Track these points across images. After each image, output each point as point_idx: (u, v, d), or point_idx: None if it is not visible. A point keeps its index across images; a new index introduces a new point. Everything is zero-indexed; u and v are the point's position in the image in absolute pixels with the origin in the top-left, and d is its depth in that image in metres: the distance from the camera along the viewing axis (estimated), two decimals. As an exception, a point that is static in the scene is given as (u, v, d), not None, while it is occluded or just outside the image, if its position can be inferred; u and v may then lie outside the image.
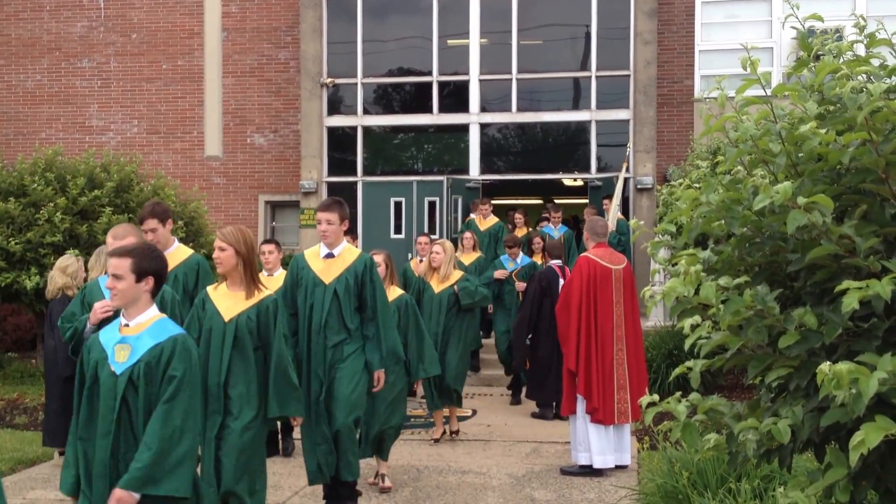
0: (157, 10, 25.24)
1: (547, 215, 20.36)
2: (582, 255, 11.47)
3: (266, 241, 12.82)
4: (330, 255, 9.55)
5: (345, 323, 9.21)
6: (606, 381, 11.14)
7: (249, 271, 7.74)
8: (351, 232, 22.99)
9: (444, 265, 13.11)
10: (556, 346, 12.44)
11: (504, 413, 15.15)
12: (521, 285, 16.07)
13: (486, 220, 19.68)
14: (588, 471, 11.16)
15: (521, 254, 16.85)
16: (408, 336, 10.85)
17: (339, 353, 9.15)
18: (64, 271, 11.84)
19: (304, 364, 9.21)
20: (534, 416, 14.79)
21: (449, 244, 13.60)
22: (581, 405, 11.20)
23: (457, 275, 13.36)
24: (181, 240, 16.79)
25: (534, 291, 14.68)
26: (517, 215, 20.56)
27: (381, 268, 10.44)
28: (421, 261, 15.30)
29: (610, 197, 19.58)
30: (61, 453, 11.82)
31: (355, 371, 9.17)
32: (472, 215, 20.44)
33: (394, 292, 10.91)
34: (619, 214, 19.72)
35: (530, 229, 21.00)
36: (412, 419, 14.16)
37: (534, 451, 12.54)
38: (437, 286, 13.21)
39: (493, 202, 20.25)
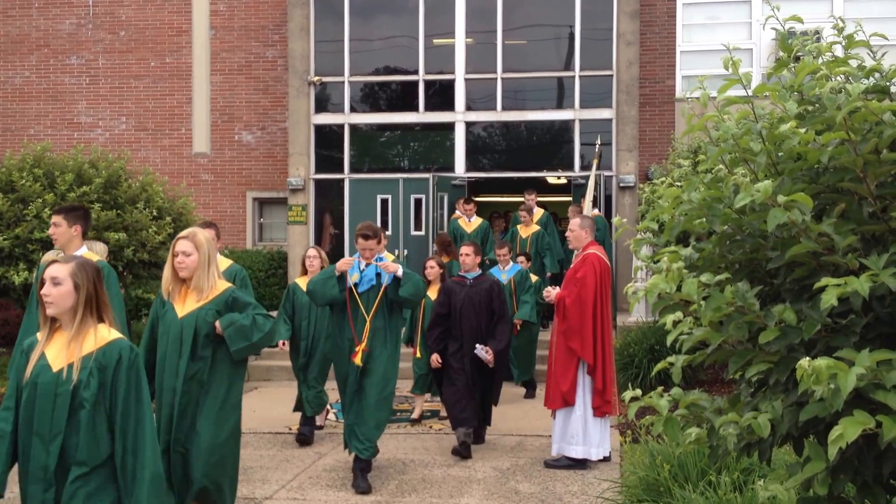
0: (145, 8, 25.20)
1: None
2: (592, 252, 11.47)
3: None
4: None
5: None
6: (609, 374, 11.40)
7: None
8: (338, 229, 23.11)
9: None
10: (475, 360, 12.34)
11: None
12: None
13: (471, 223, 19.79)
14: (572, 463, 11.24)
15: (510, 262, 16.17)
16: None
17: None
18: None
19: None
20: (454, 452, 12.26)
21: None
22: (585, 398, 11.28)
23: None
24: (169, 236, 16.89)
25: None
26: (522, 214, 20.38)
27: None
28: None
29: (584, 197, 19.59)
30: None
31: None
32: (458, 212, 20.47)
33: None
34: (597, 211, 19.75)
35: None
36: (398, 413, 14.24)
37: (518, 445, 12.60)
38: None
39: (478, 199, 20.24)
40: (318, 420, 13.44)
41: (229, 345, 7.87)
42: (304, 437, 12.62)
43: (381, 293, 10.72)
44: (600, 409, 11.24)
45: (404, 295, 10.68)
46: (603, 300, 11.39)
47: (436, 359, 12.45)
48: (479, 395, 12.35)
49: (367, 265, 10.78)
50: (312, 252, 13.41)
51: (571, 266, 11.67)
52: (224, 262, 10.97)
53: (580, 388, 11.32)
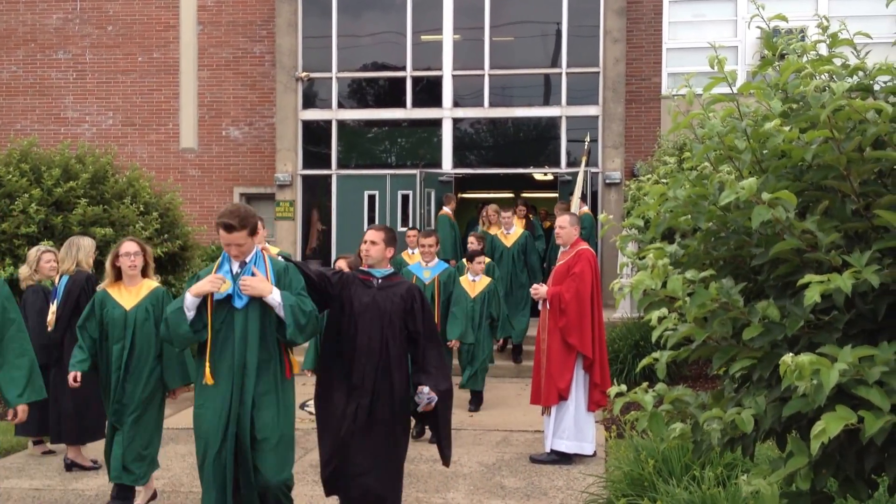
0: (132, 3, 25.15)
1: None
2: (584, 248, 11.52)
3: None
4: None
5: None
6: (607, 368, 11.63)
7: None
8: (326, 224, 23.09)
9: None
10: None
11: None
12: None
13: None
14: (557, 458, 11.30)
15: (436, 256, 14.11)
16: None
17: None
18: (27, 261, 11.99)
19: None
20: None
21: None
22: (581, 393, 11.34)
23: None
24: (156, 231, 16.90)
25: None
26: (519, 208, 20.42)
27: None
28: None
29: (572, 194, 19.63)
30: (35, 443, 11.87)
31: None
32: (445, 208, 20.47)
33: None
34: (585, 208, 19.80)
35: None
36: None
37: (504, 440, 12.63)
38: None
39: (465, 196, 20.19)
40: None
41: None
42: None
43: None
44: (596, 404, 11.33)
45: (291, 338, 7.72)
46: (598, 295, 11.48)
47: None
48: (386, 459, 8.30)
49: (242, 267, 7.82)
50: (341, 263, 10.83)
51: (562, 262, 11.66)
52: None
53: (574, 384, 11.37)
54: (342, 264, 10.87)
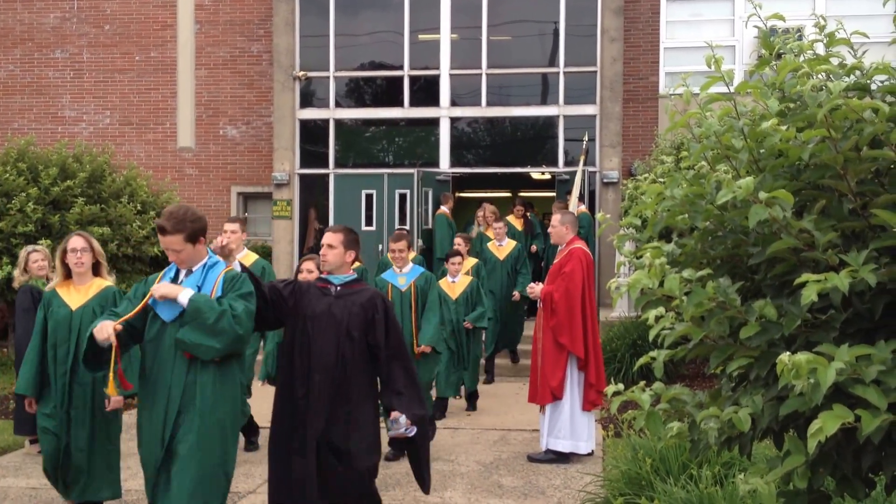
0: (129, 2, 25.13)
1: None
2: (577, 247, 11.53)
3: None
4: None
5: None
6: (601, 367, 11.62)
7: None
8: (323, 224, 23.08)
9: None
10: None
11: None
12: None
13: (502, 247, 17.91)
14: (555, 457, 11.31)
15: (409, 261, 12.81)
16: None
17: None
18: (17, 262, 12.01)
19: None
20: None
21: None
22: (576, 392, 11.35)
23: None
24: (153, 231, 16.89)
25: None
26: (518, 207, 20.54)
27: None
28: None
29: (569, 193, 19.65)
30: (32, 441, 11.87)
31: None
32: (443, 207, 20.48)
33: None
34: (583, 207, 19.84)
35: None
36: None
37: (501, 439, 12.65)
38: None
39: (462, 195, 20.18)
40: None
41: None
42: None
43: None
44: (591, 403, 11.34)
45: (184, 339, 6.77)
46: (590, 294, 11.47)
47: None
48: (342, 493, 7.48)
49: (188, 274, 7.11)
50: (310, 265, 10.21)
51: (556, 261, 11.70)
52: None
53: (569, 383, 11.38)
54: (309, 266, 10.15)
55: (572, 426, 11.34)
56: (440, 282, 13.95)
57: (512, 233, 19.27)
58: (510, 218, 19.98)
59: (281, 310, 7.48)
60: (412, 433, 7.24)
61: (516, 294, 16.32)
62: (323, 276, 7.79)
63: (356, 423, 7.33)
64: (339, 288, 7.59)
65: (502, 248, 17.49)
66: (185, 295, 6.80)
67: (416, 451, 7.56)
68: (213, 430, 6.87)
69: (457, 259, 14.23)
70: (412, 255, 12.01)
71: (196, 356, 6.80)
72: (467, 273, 14.83)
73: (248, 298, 6.98)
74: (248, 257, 11.62)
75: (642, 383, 4.57)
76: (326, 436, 7.24)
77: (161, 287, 6.86)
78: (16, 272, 11.91)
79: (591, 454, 11.49)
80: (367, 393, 7.43)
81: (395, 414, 7.22)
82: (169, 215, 6.87)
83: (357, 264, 9.50)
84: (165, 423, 6.85)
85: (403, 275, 12.17)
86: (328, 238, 7.66)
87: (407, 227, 21.31)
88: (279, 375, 7.70)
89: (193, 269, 7.07)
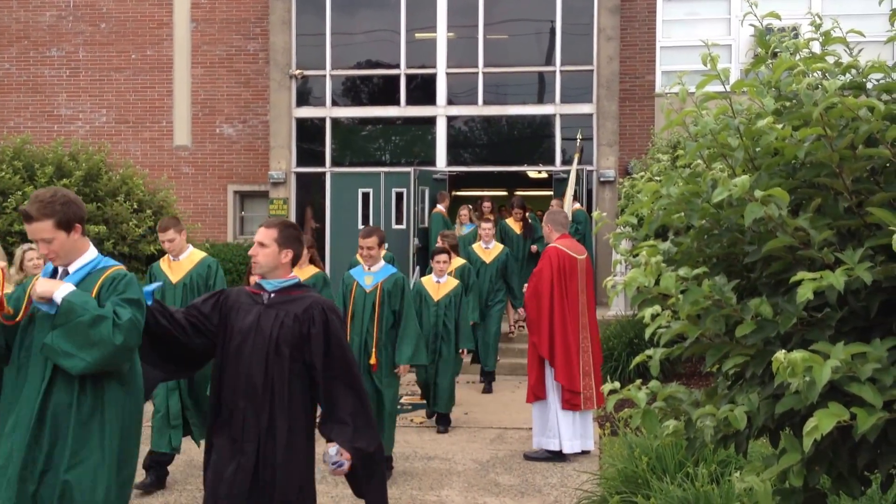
0: (126, 0, 25.13)
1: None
2: (551, 245, 11.59)
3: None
4: None
5: None
6: (574, 367, 11.39)
7: None
8: (319, 222, 23.06)
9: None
10: None
11: (471, 400, 15.22)
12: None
13: (489, 250, 17.10)
14: (551, 456, 11.33)
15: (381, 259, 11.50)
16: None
17: None
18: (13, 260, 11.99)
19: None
20: None
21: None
22: (555, 392, 11.37)
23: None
24: (149, 229, 16.89)
25: None
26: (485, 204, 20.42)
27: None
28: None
29: (564, 193, 19.66)
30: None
31: None
32: (439, 206, 20.49)
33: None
34: (578, 205, 19.87)
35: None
36: (402, 406, 13.84)
37: (498, 438, 12.66)
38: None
39: (459, 193, 20.13)
40: None
41: None
42: None
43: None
44: (568, 403, 11.33)
45: (52, 345, 5.41)
46: (562, 293, 11.42)
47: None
48: None
49: (65, 274, 5.78)
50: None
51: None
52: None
53: (549, 382, 11.42)
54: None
55: (558, 425, 11.38)
56: (424, 280, 13.65)
57: (510, 236, 19.25)
58: (509, 221, 19.89)
59: (206, 332, 6.18)
60: (344, 466, 6.00)
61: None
62: (258, 281, 6.34)
63: (286, 465, 6.01)
64: (272, 295, 6.18)
65: (489, 250, 16.63)
66: (62, 291, 5.51)
67: (363, 492, 6.29)
68: (114, 463, 5.68)
69: (442, 257, 13.51)
70: (383, 252, 11.18)
71: (63, 368, 5.45)
72: (450, 274, 14.06)
73: (136, 306, 5.63)
74: (193, 255, 10.73)
75: (638, 381, 4.56)
76: (257, 473, 5.97)
77: (39, 284, 5.56)
78: (11, 270, 11.90)
79: (584, 453, 11.50)
80: (301, 426, 6.11)
81: (329, 446, 6.03)
82: (34, 200, 5.62)
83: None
84: (36, 457, 5.53)
85: (371, 274, 10.88)
86: (259, 234, 6.24)
87: (380, 227, 20.96)
88: (210, 401, 6.35)
89: (70, 267, 5.78)
